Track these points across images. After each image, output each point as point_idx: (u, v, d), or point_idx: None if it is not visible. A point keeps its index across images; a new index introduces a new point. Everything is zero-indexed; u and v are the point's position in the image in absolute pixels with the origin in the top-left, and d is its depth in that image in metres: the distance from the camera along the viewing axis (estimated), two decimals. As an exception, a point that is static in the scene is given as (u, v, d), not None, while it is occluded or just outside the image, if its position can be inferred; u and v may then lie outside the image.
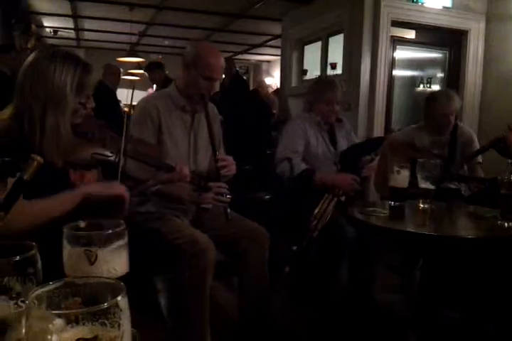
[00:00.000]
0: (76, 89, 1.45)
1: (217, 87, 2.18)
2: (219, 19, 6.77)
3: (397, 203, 1.98)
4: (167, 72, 5.70)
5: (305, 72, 5.54)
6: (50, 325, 0.38)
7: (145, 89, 7.36)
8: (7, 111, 1.48)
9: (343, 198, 2.49)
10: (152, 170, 1.78)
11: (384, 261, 2.60)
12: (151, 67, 5.55)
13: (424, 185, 1.92)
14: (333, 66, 4.84)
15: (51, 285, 0.44)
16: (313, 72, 5.41)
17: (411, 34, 4.43)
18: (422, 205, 1.90)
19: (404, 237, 1.88)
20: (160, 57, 8.61)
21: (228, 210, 2.00)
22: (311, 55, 5.50)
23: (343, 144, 2.84)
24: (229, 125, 4.35)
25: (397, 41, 4.40)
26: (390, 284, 2.71)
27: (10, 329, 0.52)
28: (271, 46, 8.72)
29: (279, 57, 7.74)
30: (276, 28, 6.53)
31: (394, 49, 4.40)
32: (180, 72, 2.19)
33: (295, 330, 2.32)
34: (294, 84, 5.67)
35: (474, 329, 2.11)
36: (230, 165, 2.07)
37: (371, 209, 2.01)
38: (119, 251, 0.66)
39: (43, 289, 0.43)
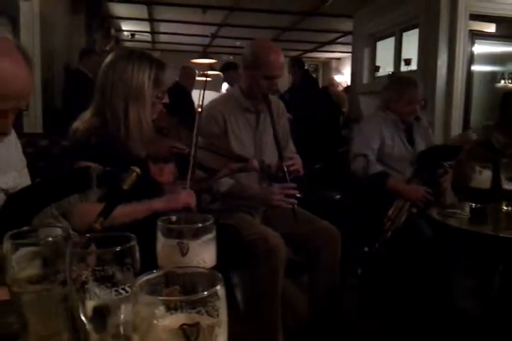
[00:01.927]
0: (153, 83, 1.56)
1: (277, 83, 2.17)
2: (289, 18, 6.78)
3: (478, 205, 1.89)
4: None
5: (377, 68, 5.42)
6: (157, 311, 0.41)
7: (216, 90, 7.53)
8: (88, 113, 1.61)
9: (414, 210, 2.41)
10: (224, 161, 1.82)
11: (462, 264, 2.49)
12: (226, 68, 5.66)
13: (507, 186, 1.82)
14: (408, 62, 4.70)
15: (154, 274, 0.47)
16: (386, 68, 5.28)
17: (491, 27, 4.21)
18: (505, 208, 1.80)
19: (485, 241, 1.79)
20: (231, 58, 8.77)
21: (297, 209, 1.99)
22: (384, 51, 5.37)
23: (420, 143, 2.72)
24: (299, 123, 4.35)
25: (476, 35, 4.19)
26: (468, 289, 2.59)
27: (110, 315, 0.56)
28: (341, 43, 8.61)
29: (349, 54, 7.62)
30: (346, 25, 6.44)
31: (472, 43, 4.20)
32: (241, 74, 2.21)
33: (366, 332, 2.28)
34: (365, 81, 5.56)
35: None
36: (296, 165, 2.05)
37: (451, 210, 1.93)
38: (208, 243, 0.69)
39: (148, 277, 0.46)
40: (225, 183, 2.02)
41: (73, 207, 1.18)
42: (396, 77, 2.86)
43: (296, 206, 1.96)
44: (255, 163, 1.87)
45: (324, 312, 2.11)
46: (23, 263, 0.62)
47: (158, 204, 1.53)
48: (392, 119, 2.67)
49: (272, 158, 2.19)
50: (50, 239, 0.63)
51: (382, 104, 2.79)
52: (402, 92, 2.63)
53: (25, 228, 0.66)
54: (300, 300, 2.41)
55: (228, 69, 5.62)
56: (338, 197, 3.50)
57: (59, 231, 0.68)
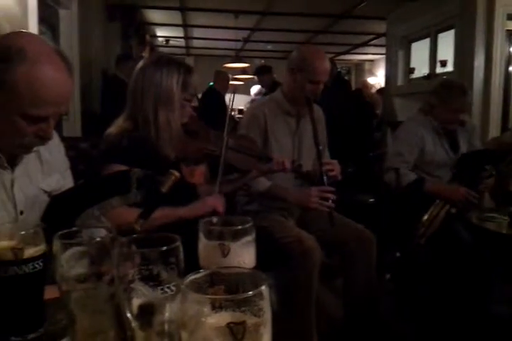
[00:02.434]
0: (181, 87, 1.61)
1: (321, 89, 2.18)
2: (321, 21, 6.77)
3: (518, 209, 1.84)
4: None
5: (412, 70, 5.35)
6: (205, 309, 0.42)
7: (248, 94, 7.58)
8: (121, 118, 1.67)
9: (453, 210, 2.36)
10: (254, 161, 1.85)
11: (500, 269, 2.43)
12: (260, 71, 5.68)
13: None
14: (443, 63, 4.63)
15: (200, 274, 0.48)
16: (421, 70, 5.21)
17: (529, 27, 4.08)
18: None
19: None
20: (262, 61, 8.81)
21: (334, 214, 1.99)
22: (419, 52, 5.30)
23: (464, 149, 2.62)
24: (331, 126, 4.31)
25: (514, 35, 4.09)
26: (504, 294, 2.52)
27: (156, 313, 0.58)
28: (374, 45, 8.53)
29: (382, 56, 7.54)
30: (380, 27, 6.38)
31: (510, 43, 4.11)
32: (285, 77, 2.23)
33: (401, 336, 2.25)
34: (400, 83, 5.49)
35: None
36: (335, 170, 2.05)
37: (490, 214, 1.89)
38: (248, 245, 0.71)
39: (194, 276, 0.48)
40: (262, 183, 2.04)
41: (114, 209, 1.22)
42: (445, 81, 2.70)
43: (333, 210, 1.96)
44: (286, 164, 1.88)
45: (359, 316, 2.09)
46: (71, 262, 0.65)
47: (185, 211, 1.56)
48: (433, 125, 2.57)
49: (310, 162, 2.20)
50: (98, 239, 0.65)
51: (424, 107, 2.67)
52: (447, 99, 2.49)
53: (73, 228, 0.69)
54: (334, 304, 2.40)
55: (262, 73, 5.64)
56: (371, 200, 3.47)
57: (103, 232, 0.70)
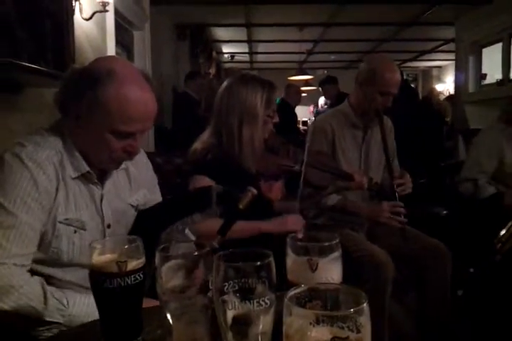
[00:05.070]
0: (265, 104, 1.66)
1: (391, 101, 2.15)
2: (386, 29, 6.67)
3: None
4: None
5: (484, 76, 5.15)
6: (310, 323, 0.45)
7: (308, 105, 7.60)
8: (206, 134, 1.73)
9: None
10: (330, 178, 1.85)
11: None
12: (325, 82, 5.66)
13: None
14: (518, 68, 4.42)
15: (299, 289, 0.51)
16: (493, 76, 5.00)
17: None
18: None
19: None
20: (325, 72, 8.80)
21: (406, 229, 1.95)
22: (491, 57, 5.09)
23: None
24: (400, 136, 4.21)
25: None
26: None
27: (251, 325, 0.61)
28: (442, 51, 8.27)
29: (450, 62, 7.30)
30: (448, 32, 6.20)
31: None
32: (354, 90, 2.22)
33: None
34: (471, 90, 5.30)
35: None
36: (406, 184, 2.01)
37: None
38: (335, 261, 0.73)
39: (295, 291, 0.50)
40: (332, 198, 2.04)
41: (196, 224, 1.28)
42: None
43: (405, 225, 1.93)
44: (364, 181, 1.88)
45: (433, 334, 2.02)
46: (169, 274, 0.69)
47: (267, 226, 1.62)
48: None
49: (378, 175, 2.17)
50: (195, 253, 0.70)
51: (502, 115, 2.60)
52: None
53: (173, 242, 0.74)
54: (406, 320, 2.33)
55: (326, 84, 5.62)
56: (444, 213, 3.34)
57: (190, 247, 0.75)
